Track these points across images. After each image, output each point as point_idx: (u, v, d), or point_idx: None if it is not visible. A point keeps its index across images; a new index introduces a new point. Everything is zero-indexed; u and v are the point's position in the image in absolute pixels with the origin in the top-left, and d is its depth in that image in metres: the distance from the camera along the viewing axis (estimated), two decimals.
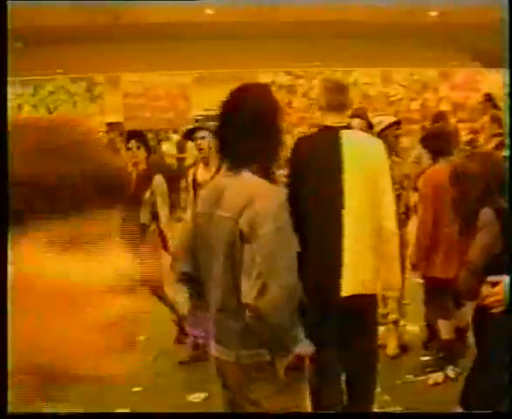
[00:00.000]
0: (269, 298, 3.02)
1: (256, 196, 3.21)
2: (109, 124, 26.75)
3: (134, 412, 6.46)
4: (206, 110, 30.45)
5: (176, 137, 21.10)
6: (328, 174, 4.72)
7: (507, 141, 8.96)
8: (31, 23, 34.77)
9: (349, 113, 5.43)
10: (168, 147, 19.97)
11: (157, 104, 27.97)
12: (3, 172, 1.14)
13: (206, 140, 7.13)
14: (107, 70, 31.06)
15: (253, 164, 3.39)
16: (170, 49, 35.44)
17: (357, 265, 4.72)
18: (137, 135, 7.75)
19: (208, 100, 30.97)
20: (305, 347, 3.34)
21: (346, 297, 4.70)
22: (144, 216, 7.57)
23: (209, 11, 38.94)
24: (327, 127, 4.94)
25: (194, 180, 7.42)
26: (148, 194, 7.59)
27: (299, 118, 26.95)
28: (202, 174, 7.30)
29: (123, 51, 34.53)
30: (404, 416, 2.78)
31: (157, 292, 7.46)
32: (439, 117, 11.62)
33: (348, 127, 5.03)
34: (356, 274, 4.73)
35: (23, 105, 30.19)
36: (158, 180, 7.92)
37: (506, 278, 4.16)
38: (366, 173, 4.77)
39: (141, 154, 7.69)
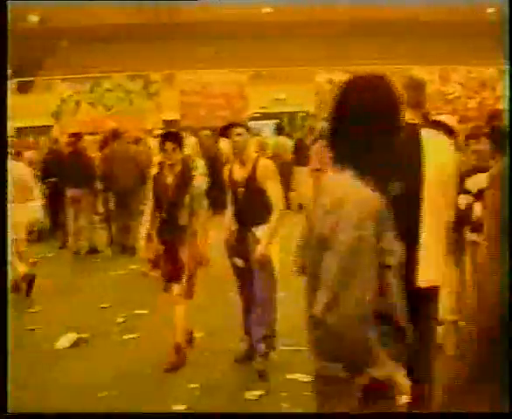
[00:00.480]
0: (339, 312, 2.81)
1: (346, 200, 2.96)
2: (165, 121, 26.79)
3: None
4: (262, 108, 30.48)
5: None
6: (408, 169, 4.64)
7: None
8: (88, 21, 35.14)
9: (426, 110, 5.34)
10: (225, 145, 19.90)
11: (213, 102, 27.90)
12: (2, 172, 1.07)
13: (242, 137, 7.07)
14: (164, 68, 31.18)
15: (359, 164, 3.11)
16: (227, 47, 35.50)
17: (432, 258, 4.72)
18: (173, 137, 7.56)
19: (264, 99, 31.01)
20: (384, 371, 3.08)
21: (421, 288, 4.65)
22: (183, 218, 7.50)
23: (266, 10, 38.99)
24: (406, 124, 4.85)
25: (230, 178, 7.33)
26: (187, 197, 7.48)
27: None
28: (238, 171, 7.21)
29: (180, 49, 34.69)
30: (404, 416, 2.69)
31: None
32: (495, 115, 11.37)
33: (424, 124, 4.99)
34: (431, 267, 4.72)
35: (80, 102, 30.37)
36: (197, 180, 7.90)
37: None
38: (441, 169, 4.73)
39: (177, 155, 7.53)
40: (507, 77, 22.04)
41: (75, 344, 8.57)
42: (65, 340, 8.60)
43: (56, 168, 15.30)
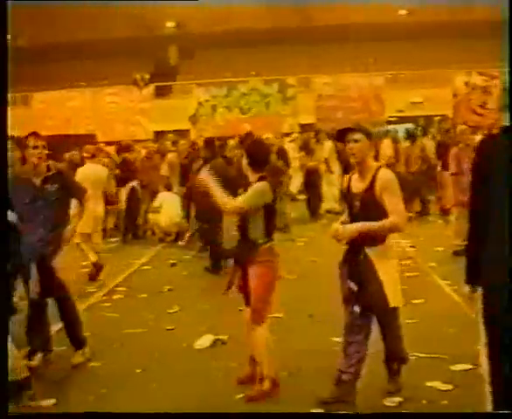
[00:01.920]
0: None
1: None
2: (302, 125, 26.76)
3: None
4: (399, 111, 30.03)
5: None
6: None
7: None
8: (224, 26, 35.46)
9: None
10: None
11: (350, 105, 27.79)
12: (2, 172, 1.04)
13: (359, 143, 6.24)
14: (300, 71, 31.13)
15: None
16: (362, 50, 35.17)
17: None
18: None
19: (401, 102, 30.55)
20: None
21: None
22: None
23: (402, 12, 38.45)
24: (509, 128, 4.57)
25: (348, 190, 6.48)
26: None
27: (494, 119, 25.88)
28: (356, 184, 6.37)
29: (315, 52, 34.58)
30: (404, 416, 2.51)
31: None
32: None
33: None
34: None
35: (217, 106, 30.72)
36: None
37: None
38: None
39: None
40: (507, 77, 21.16)
41: (213, 345, 8.56)
42: (204, 341, 8.60)
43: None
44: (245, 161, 6.76)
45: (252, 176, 6.76)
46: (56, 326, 8.57)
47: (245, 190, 6.71)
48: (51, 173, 8.02)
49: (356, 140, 6.21)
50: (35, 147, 7.83)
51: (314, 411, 6.12)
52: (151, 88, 33.21)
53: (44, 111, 31.42)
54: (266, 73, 32.14)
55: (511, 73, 12.76)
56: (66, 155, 13.56)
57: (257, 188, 6.67)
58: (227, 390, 6.91)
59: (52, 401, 6.91)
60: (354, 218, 6.27)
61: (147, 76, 33.99)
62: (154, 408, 6.49)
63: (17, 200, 7.59)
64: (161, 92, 33.53)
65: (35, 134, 8.00)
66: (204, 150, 14.05)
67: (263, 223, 6.69)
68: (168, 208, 15.99)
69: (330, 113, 27.01)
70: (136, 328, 9.26)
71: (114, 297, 11.44)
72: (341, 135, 6.44)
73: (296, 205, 20.39)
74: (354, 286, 6.20)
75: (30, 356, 8.09)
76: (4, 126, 5.21)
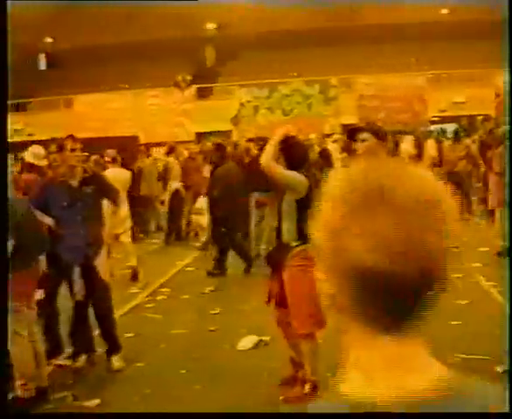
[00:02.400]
0: None
1: None
2: (344, 126, 26.64)
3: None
4: (441, 111, 29.80)
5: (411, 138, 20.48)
6: None
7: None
8: (264, 28, 35.47)
9: None
10: (406, 148, 19.43)
11: (392, 105, 27.60)
12: (2, 172, 1.03)
13: (366, 143, 6.16)
14: (342, 72, 31.02)
15: None
16: (404, 49, 34.97)
17: None
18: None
19: (443, 102, 30.32)
20: None
21: None
22: None
23: (444, 11, 38.20)
24: None
25: None
26: None
27: None
28: None
29: (357, 52, 34.45)
30: (404, 416, 2.40)
31: None
32: None
33: None
34: None
35: (259, 107, 30.69)
36: None
37: None
38: None
39: None
40: (507, 77, 20.87)
41: (256, 346, 8.58)
42: (247, 342, 8.60)
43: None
44: (281, 163, 6.61)
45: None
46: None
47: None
48: (87, 175, 8.06)
49: (363, 140, 6.14)
50: (72, 150, 7.83)
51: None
52: (193, 89, 33.31)
53: (87, 113, 31.66)
54: (308, 74, 32.07)
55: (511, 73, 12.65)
56: (91, 159, 13.70)
57: (295, 174, 6.45)
58: (270, 391, 6.89)
59: (97, 401, 6.96)
60: None
61: (188, 77, 34.08)
62: (197, 408, 6.50)
63: (54, 203, 7.74)
64: (202, 94, 33.64)
65: (72, 137, 8.05)
66: (215, 154, 14.01)
67: (296, 224, 6.45)
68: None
69: (372, 114, 26.78)
70: (179, 329, 9.28)
71: (158, 298, 11.50)
72: (351, 134, 6.37)
73: None
74: None
75: (74, 357, 8.15)
76: (4, 131, 5.17)
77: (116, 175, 12.97)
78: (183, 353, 8.39)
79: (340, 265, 1.29)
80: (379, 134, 6.13)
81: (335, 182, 1.37)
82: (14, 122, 33.26)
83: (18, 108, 36.45)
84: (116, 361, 8.01)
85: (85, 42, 36.32)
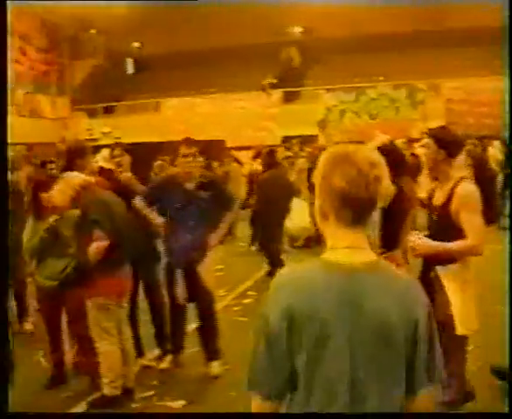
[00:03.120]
0: None
1: None
2: (431, 130, 26.34)
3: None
4: None
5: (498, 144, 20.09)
6: None
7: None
8: (351, 31, 35.27)
9: None
10: (494, 153, 19.05)
11: (481, 110, 27.19)
12: (2, 173, 1.07)
13: (426, 150, 5.71)
14: (428, 76, 30.66)
15: None
16: (492, 53, 34.35)
17: None
18: None
19: None
20: None
21: None
22: None
23: None
24: None
25: (430, 200, 5.82)
26: None
27: None
28: (437, 196, 5.70)
29: (444, 56, 33.97)
30: (404, 416, 2.35)
31: None
32: None
33: None
34: None
35: (345, 111, 30.60)
36: None
37: None
38: None
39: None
40: (507, 82, 20.12)
41: None
42: None
43: None
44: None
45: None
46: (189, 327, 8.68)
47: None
48: (205, 180, 7.91)
49: (423, 146, 5.94)
50: (185, 156, 7.69)
51: None
52: (279, 93, 33.35)
53: (174, 117, 32.01)
54: (395, 78, 31.81)
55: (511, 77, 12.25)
56: (155, 164, 13.69)
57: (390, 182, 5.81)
58: None
59: (182, 402, 6.98)
60: (430, 232, 5.68)
61: (274, 81, 34.15)
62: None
63: (168, 204, 7.70)
64: (289, 98, 33.62)
65: (187, 141, 7.87)
66: (265, 159, 14.06)
67: (378, 231, 6.17)
68: (296, 213, 15.89)
69: (460, 118, 26.47)
70: None
71: (244, 301, 11.48)
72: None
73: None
74: None
75: (160, 358, 8.20)
76: (4, 132, 5.17)
77: None
78: None
79: (327, 191, 2.54)
80: (443, 142, 5.56)
81: (323, 154, 2.65)
82: (102, 125, 33.90)
83: (106, 112, 37.11)
84: (215, 368, 7.91)
85: (172, 46, 36.69)
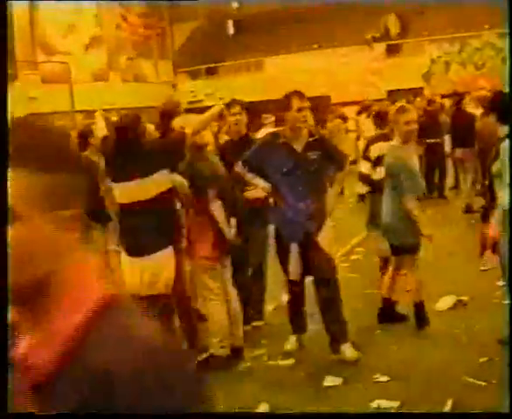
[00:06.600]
0: None
1: None
2: None
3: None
4: None
5: None
6: None
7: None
8: None
9: None
10: None
11: None
12: (2, 172, 1.28)
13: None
14: None
15: None
16: None
17: None
18: None
19: None
20: None
21: None
22: None
23: None
24: None
25: None
26: None
27: None
28: None
29: None
30: (404, 416, 2.21)
31: None
32: None
33: None
34: None
35: (450, 63, 29.96)
36: None
37: None
38: None
39: None
40: (507, 63, 20.40)
41: (454, 306, 8.36)
42: (445, 302, 8.42)
43: (433, 129, 15.00)
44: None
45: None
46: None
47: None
48: (312, 139, 7.04)
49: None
50: (299, 110, 6.85)
51: None
52: (383, 47, 32.85)
53: (277, 75, 31.89)
54: (500, 26, 30.88)
55: (511, 69, 11.63)
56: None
57: None
58: (471, 355, 6.71)
59: (291, 361, 6.99)
60: None
61: (377, 35, 33.66)
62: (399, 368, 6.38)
63: (273, 168, 6.99)
64: (392, 51, 33.05)
65: (299, 94, 6.99)
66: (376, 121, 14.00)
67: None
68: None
69: None
70: (373, 289, 9.06)
71: (352, 257, 11.38)
72: None
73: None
74: None
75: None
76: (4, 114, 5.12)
77: None
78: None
79: None
80: None
81: None
82: (205, 86, 34.09)
83: (209, 73, 37.28)
84: (347, 351, 6.94)
85: (270, 5, 36.48)
